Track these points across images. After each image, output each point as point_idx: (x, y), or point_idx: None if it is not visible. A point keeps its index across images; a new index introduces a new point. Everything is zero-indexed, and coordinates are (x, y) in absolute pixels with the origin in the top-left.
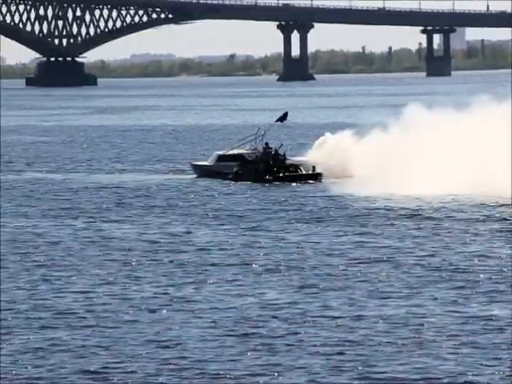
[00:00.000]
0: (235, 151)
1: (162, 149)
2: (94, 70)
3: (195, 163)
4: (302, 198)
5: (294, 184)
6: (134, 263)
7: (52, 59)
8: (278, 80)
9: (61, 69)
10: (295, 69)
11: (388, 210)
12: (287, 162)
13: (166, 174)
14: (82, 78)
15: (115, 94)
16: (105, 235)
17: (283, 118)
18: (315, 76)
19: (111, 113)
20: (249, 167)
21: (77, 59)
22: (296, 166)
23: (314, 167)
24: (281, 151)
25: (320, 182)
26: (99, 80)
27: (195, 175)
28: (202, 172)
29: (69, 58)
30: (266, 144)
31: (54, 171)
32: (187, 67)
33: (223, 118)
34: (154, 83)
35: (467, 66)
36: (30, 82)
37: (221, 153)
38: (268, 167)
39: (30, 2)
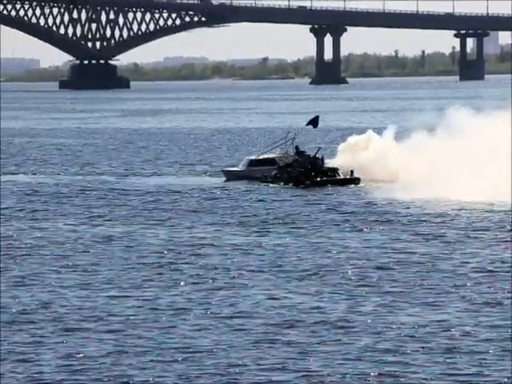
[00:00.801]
0: (266, 156)
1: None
2: (127, 73)
3: (226, 169)
4: (349, 202)
5: (332, 188)
6: (176, 267)
7: (85, 62)
8: (311, 83)
9: (94, 72)
10: (328, 72)
11: (438, 216)
12: (325, 166)
13: (197, 177)
14: (114, 80)
15: (148, 96)
16: (138, 239)
17: (314, 121)
18: (348, 79)
19: (145, 115)
20: (287, 171)
21: (110, 62)
22: (334, 171)
23: (351, 171)
24: (319, 155)
25: (358, 185)
26: (132, 83)
27: (225, 180)
28: (234, 177)
29: (102, 61)
30: (297, 148)
31: (85, 174)
32: (220, 70)
33: (257, 122)
34: (186, 86)
35: (500, 70)
36: (64, 85)
37: (252, 157)
38: (306, 171)
39: (63, 5)
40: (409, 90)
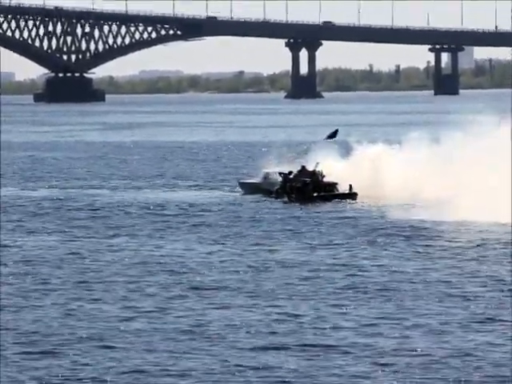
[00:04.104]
0: (281, 169)
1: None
2: (103, 86)
3: (243, 181)
4: (367, 222)
5: (330, 203)
6: (190, 283)
7: (60, 75)
8: (286, 97)
9: (69, 84)
10: (303, 86)
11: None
12: (324, 180)
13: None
14: (90, 93)
15: (123, 109)
16: (155, 255)
17: (334, 135)
18: (323, 93)
19: (121, 128)
20: (287, 186)
21: (85, 75)
22: (333, 185)
23: (350, 186)
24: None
25: (355, 200)
26: (107, 96)
27: (243, 192)
28: (251, 190)
29: (77, 74)
30: (303, 166)
31: (76, 187)
32: (195, 83)
33: (235, 136)
34: (162, 99)
35: (475, 85)
36: (39, 98)
37: (268, 170)
38: (306, 186)
39: (38, 18)
40: (382, 104)
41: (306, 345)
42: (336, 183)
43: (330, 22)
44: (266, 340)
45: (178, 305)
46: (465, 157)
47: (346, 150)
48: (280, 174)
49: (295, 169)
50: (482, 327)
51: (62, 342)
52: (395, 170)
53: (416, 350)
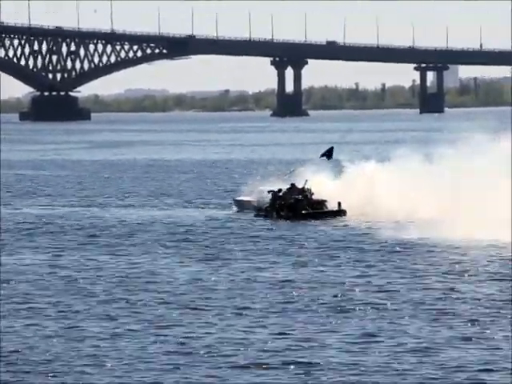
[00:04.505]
0: (276, 187)
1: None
2: (88, 105)
3: (238, 199)
4: (357, 241)
5: (317, 221)
6: (194, 305)
7: (46, 93)
8: (272, 115)
9: (54, 103)
10: (289, 104)
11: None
12: (313, 198)
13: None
14: (75, 112)
15: (110, 128)
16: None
17: (329, 153)
18: (309, 112)
19: (108, 147)
20: (277, 203)
21: (71, 94)
22: (321, 203)
23: (339, 203)
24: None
25: (344, 217)
26: (93, 114)
27: (237, 210)
28: (246, 208)
29: (62, 93)
30: (292, 184)
31: (71, 206)
32: (181, 102)
33: (222, 154)
34: (147, 118)
35: (460, 103)
36: (24, 117)
37: (263, 188)
38: (296, 203)
39: (24, 37)
40: (368, 122)
41: (293, 363)
42: (325, 200)
43: (334, 42)
44: (254, 358)
45: (165, 323)
46: (460, 175)
47: (338, 168)
48: (269, 191)
49: (284, 186)
50: (470, 346)
51: (46, 362)
52: (390, 188)
53: (403, 369)
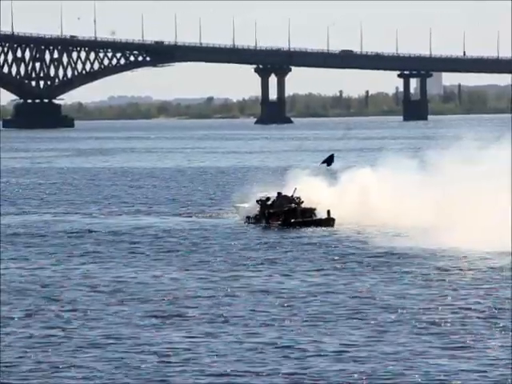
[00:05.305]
0: (263, 196)
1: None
2: (72, 112)
3: (238, 205)
4: (348, 249)
5: (307, 229)
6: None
7: (29, 101)
8: (256, 123)
9: (38, 111)
10: (273, 112)
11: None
12: (302, 206)
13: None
14: (59, 119)
15: (93, 136)
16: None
17: (329, 160)
18: (293, 119)
19: (91, 154)
20: (265, 212)
21: (54, 101)
22: (311, 211)
23: (328, 211)
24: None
25: (332, 227)
26: (76, 122)
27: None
28: (245, 213)
29: (46, 100)
30: (279, 193)
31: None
32: (165, 109)
33: (208, 161)
34: (131, 125)
35: (444, 111)
36: (7, 124)
37: (262, 195)
38: (288, 212)
39: (7, 44)
40: (354, 129)
41: (280, 372)
42: (314, 209)
43: (350, 51)
44: (238, 367)
45: (149, 331)
46: (455, 182)
47: (330, 176)
48: (257, 201)
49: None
50: (458, 355)
51: (28, 371)
52: (384, 196)
53: (391, 377)
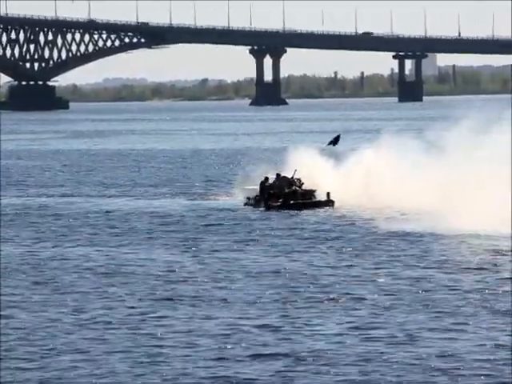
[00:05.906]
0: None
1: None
2: (66, 94)
3: (245, 187)
4: (349, 232)
5: (305, 211)
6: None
7: (24, 83)
8: (251, 104)
9: (32, 93)
10: (268, 93)
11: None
12: (302, 188)
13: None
14: (53, 102)
15: (88, 118)
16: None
17: (336, 141)
18: (288, 101)
19: (88, 136)
20: (269, 193)
21: (48, 83)
22: (310, 193)
23: (328, 193)
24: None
25: (332, 208)
26: (71, 104)
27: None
28: (252, 195)
29: (40, 82)
30: (278, 174)
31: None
32: (160, 91)
33: (205, 143)
34: (126, 107)
35: (438, 92)
36: (1, 106)
37: (267, 175)
38: (288, 194)
39: (1, 26)
40: (347, 111)
41: (279, 354)
42: (314, 190)
43: (370, 33)
44: (235, 349)
45: (148, 314)
46: (460, 164)
47: (333, 157)
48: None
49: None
50: (455, 336)
51: (28, 353)
52: (388, 177)
53: (386, 359)
